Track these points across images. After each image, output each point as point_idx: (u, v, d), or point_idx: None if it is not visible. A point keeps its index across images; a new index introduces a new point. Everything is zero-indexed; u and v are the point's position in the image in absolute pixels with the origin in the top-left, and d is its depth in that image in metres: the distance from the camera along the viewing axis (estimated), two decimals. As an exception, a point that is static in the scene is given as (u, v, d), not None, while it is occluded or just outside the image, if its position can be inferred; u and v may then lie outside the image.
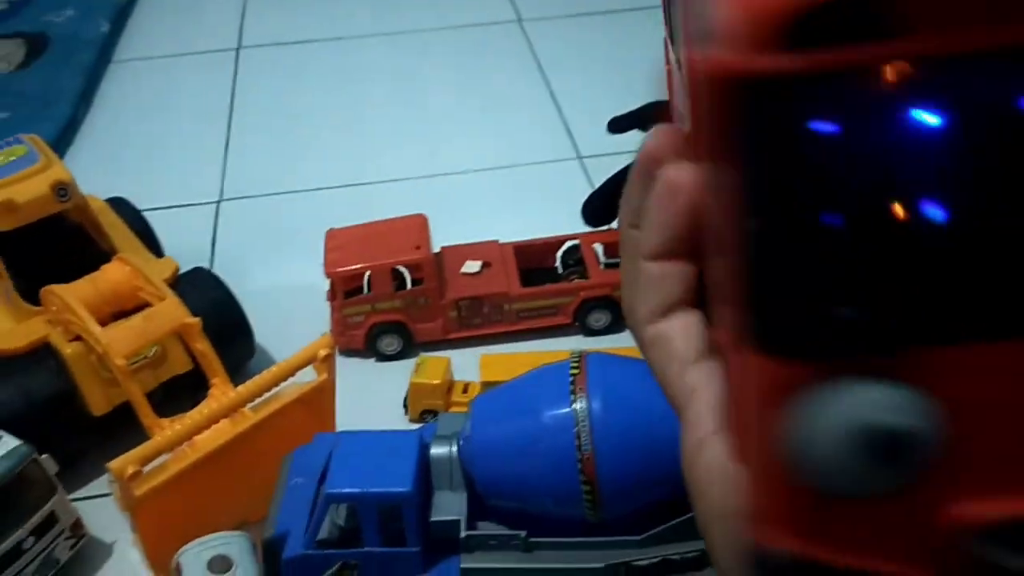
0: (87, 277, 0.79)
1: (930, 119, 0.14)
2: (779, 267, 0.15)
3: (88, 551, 0.74)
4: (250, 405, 0.71)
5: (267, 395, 0.71)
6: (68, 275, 0.79)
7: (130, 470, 0.63)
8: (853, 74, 0.13)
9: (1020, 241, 0.14)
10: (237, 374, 0.82)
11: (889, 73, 0.13)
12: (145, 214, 0.98)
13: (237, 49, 1.51)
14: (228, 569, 0.62)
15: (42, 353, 0.78)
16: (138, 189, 1.03)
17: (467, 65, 1.42)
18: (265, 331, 0.90)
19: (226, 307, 0.85)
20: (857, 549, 0.17)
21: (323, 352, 0.71)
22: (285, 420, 0.72)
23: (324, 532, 0.61)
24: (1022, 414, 0.15)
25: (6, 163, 0.81)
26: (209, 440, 0.69)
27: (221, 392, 0.75)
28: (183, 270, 0.88)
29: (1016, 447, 0.15)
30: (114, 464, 0.63)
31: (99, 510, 0.75)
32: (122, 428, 0.78)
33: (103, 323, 0.75)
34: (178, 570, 0.63)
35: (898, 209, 0.14)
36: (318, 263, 0.89)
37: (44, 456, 0.69)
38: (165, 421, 0.72)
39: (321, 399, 0.74)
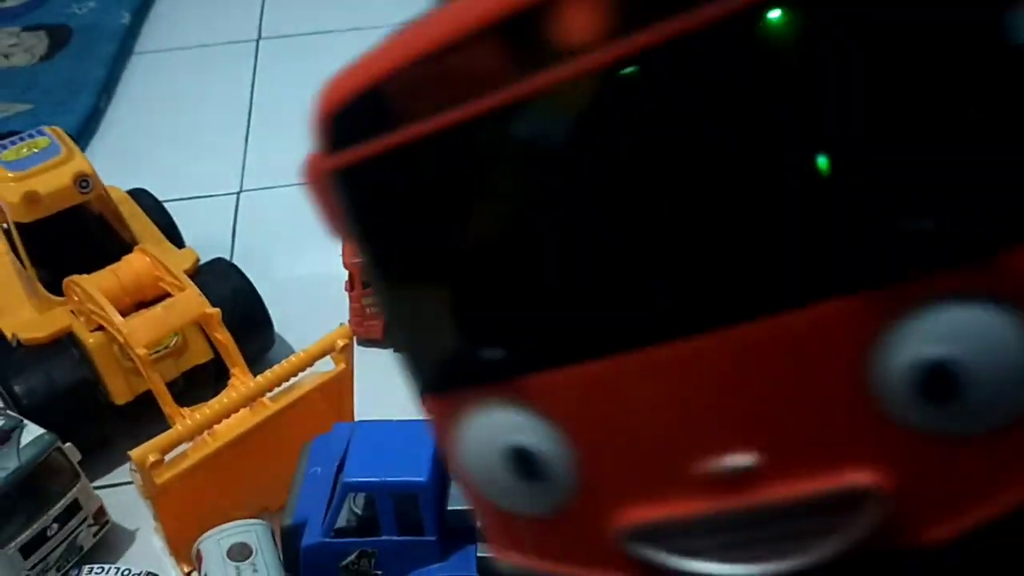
0: (109, 268, 0.80)
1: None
2: (394, 322, 0.19)
3: (111, 538, 0.75)
4: (269, 395, 0.72)
5: (286, 385, 0.72)
6: (90, 266, 0.80)
7: (151, 458, 0.64)
8: (385, 158, 0.16)
9: (558, 279, 0.16)
10: (256, 364, 0.82)
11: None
12: (166, 205, 0.99)
13: (257, 40, 1.52)
14: (248, 556, 0.63)
15: (65, 343, 0.79)
16: (159, 180, 1.04)
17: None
18: (284, 321, 0.90)
19: (246, 297, 0.86)
20: (550, 559, 0.18)
21: (341, 342, 0.72)
22: (304, 409, 0.73)
23: (342, 520, 0.62)
24: (635, 426, 0.16)
25: (29, 155, 0.82)
26: (229, 429, 0.70)
27: (241, 382, 0.76)
28: (203, 261, 0.89)
29: (641, 457, 0.16)
30: (136, 452, 0.64)
31: (121, 497, 0.76)
32: (144, 417, 0.79)
33: (124, 313, 0.76)
34: (199, 557, 0.64)
35: (460, 263, 0.17)
36: (337, 253, 0.89)
37: (68, 444, 0.70)
38: (186, 410, 0.73)
39: (339, 389, 0.75)
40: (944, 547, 0.16)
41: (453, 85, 0.15)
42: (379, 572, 0.62)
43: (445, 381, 0.18)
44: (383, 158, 0.17)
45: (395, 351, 0.19)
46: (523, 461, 0.17)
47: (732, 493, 0.16)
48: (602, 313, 0.16)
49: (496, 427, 0.17)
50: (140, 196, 0.97)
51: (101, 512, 0.73)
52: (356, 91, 0.17)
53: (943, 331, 0.14)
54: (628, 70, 0.14)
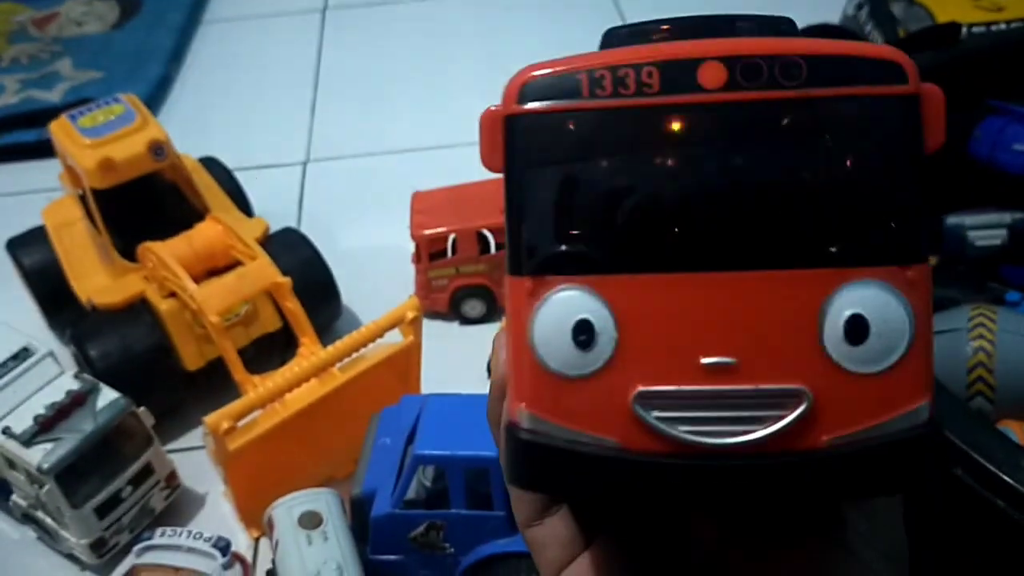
0: (182, 235, 0.81)
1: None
2: (517, 219, 0.26)
3: (181, 502, 0.76)
4: (338, 365, 0.72)
5: (355, 355, 0.72)
6: (162, 233, 0.81)
7: (225, 425, 0.64)
8: (551, 115, 0.25)
9: (641, 228, 0.25)
10: (324, 334, 0.83)
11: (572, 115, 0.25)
12: (234, 173, 1.00)
13: (324, 10, 1.52)
14: (318, 524, 0.63)
15: (138, 309, 0.80)
16: (226, 149, 1.04)
17: (554, 24, 1.40)
18: (350, 291, 0.90)
19: (315, 268, 0.86)
20: (575, 418, 0.25)
21: (411, 314, 0.71)
22: (372, 381, 0.73)
23: (411, 492, 0.62)
24: (666, 322, 0.25)
25: (105, 122, 0.82)
26: (299, 398, 0.70)
27: (310, 351, 0.76)
28: (272, 230, 0.89)
29: (663, 342, 0.25)
30: (210, 419, 0.64)
31: (191, 462, 0.77)
32: (213, 383, 0.79)
33: (196, 280, 0.76)
34: (270, 524, 0.65)
35: (583, 195, 0.25)
36: (404, 225, 0.89)
37: (141, 409, 0.71)
38: (256, 378, 0.73)
39: (407, 361, 0.75)
40: (826, 451, 0.24)
41: (615, 89, 0.25)
42: (447, 544, 0.62)
43: (545, 268, 0.25)
44: (561, 114, 0.25)
45: (508, 244, 0.26)
46: (583, 331, 0.25)
47: (715, 379, 0.24)
48: (657, 245, 0.25)
49: (573, 303, 0.25)
50: (210, 164, 0.97)
51: (173, 476, 0.74)
52: (547, 73, 0.26)
53: (860, 298, 0.24)
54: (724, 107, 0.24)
